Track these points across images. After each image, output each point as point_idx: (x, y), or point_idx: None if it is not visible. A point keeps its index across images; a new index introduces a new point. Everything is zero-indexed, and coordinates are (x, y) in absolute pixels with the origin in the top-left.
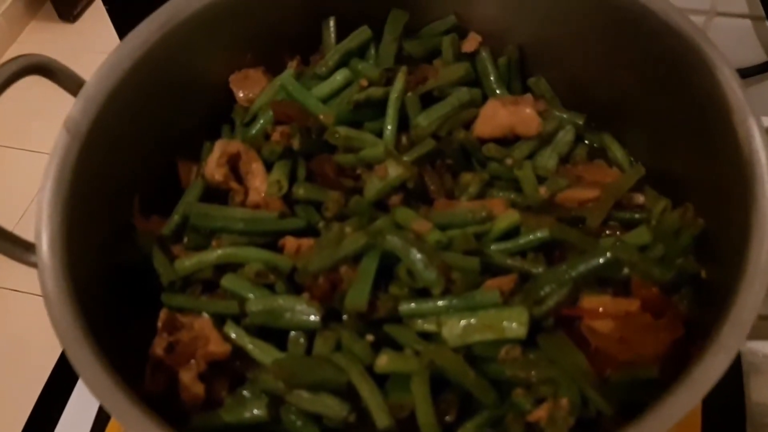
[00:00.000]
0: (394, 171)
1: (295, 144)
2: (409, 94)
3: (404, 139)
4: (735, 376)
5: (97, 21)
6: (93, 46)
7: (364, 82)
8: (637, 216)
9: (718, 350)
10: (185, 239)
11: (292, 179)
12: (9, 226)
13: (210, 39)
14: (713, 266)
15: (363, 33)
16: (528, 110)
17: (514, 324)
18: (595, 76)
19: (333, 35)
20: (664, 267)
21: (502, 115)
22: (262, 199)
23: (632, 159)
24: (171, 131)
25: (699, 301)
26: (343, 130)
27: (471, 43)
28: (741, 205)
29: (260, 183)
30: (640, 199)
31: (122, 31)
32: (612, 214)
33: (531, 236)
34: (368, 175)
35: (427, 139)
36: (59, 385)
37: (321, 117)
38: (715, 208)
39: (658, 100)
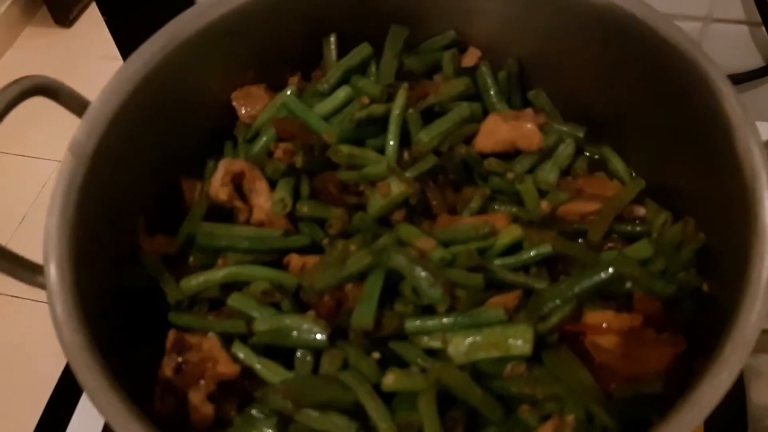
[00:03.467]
0: (396, 188)
1: (298, 162)
2: (411, 110)
3: (406, 155)
4: (736, 380)
5: (92, 26)
6: (89, 50)
7: (366, 100)
8: (638, 229)
9: (722, 370)
10: (191, 258)
11: (296, 197)
12: (9, 232)
13: (211, 58)
14: (715, 280)
15: (364, 49)
16: (529, 125)
17: (520, 341)
18: (595, 90)
19: (334, 52)
20: (666, 281)
21: (503, 130)
22: (266, 217)
23: (633, 172)
24: (175, 150)
25: (701, 315)
26: (345, 148)
27: (471, 58)
28: (741, 221)
29: (264, 201)
30: (641, 211)
31: (120, 42)
32: (613, 227)
33: (534, 252)
34: (371, 191)
35: (429, 155)
36: (64, 396)
37: (323, 135)
38: (715, 223)
39: (658, 114)
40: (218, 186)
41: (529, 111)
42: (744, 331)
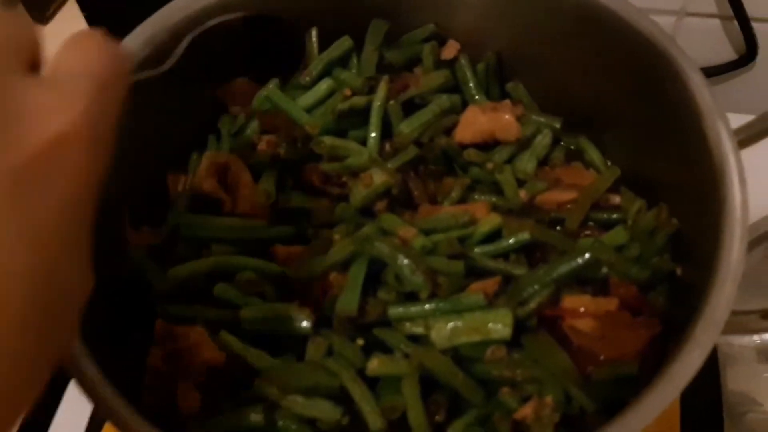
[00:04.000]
0: (378, 178)
1: (282, 153)
2: (392, 102)
3: (388, 147)
4: (711, 367)
5: (69, 23)
6: None
7: (348, 92)
8: (614, 216)
9: (694, 347)
10: (177, 249)
11: (280, 188)
12: None
13: (195, 51)
14: (688, 265)
15: (345, 42)
16: (507, 116)
17: (500, 325)
18: (571, 82)
19: (315, 46)
20: (641, 266)
21: (481, 121)
22: (250, 208)
23: (608, 161)
24: (159, 144)
25: (675, 298)
26: (328, 140)
27: (450, 50)
28: (712, 206)
29: (249, 192)
30: (616, 199)
31: None
32: (589, 215)
33: (512, 239)
34: (354, 182)
35: (410, 146)
36: (50, 387)
37: (306, 126)
38: (688, 209)
39: (633, 106)
40: (203, 178)
41: (507, 102)
42: (714, 311)
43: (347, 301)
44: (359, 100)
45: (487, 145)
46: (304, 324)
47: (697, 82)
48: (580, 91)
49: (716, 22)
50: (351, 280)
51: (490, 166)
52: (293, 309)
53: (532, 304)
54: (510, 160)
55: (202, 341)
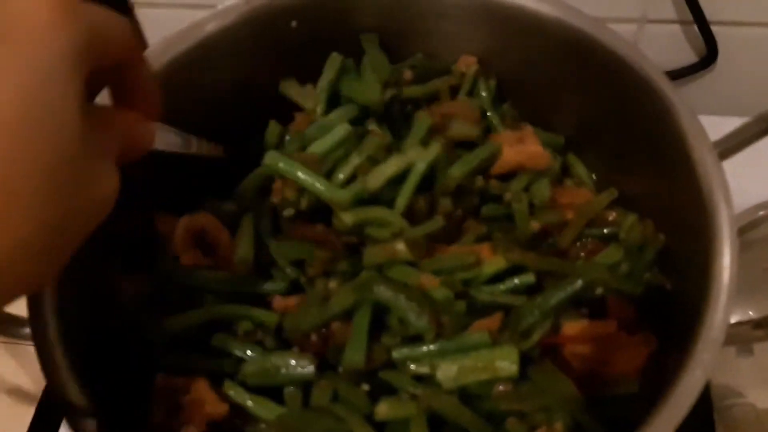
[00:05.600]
0: (402, 253)
1: (303, 204)
2: (438, 153)
3: (421, 202)
4: None
5: None
6: None
7: (373, 128)
8: (606, 231)
9: (696, 367)
10: (172, 297)
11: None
12: None
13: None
14: (677, 279)
15: (335, 60)
16: (534, 147)
17: (506, 363)
18: (552, 101)
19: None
20: (633, 282)
21: (510, 154)
22: (234, 267)
23: (594, 176)
24: (150, 185)
25: (668, 312)
26: (350, 218)
27: (465, 64)
28: (698, 222)
29: (229, 254)
30: (610, 215)
31: None
32: (583, 231)
33: (517, 280)
34: (371, 245)
35: (438, 218)
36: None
37: (329, 203)
38: (673, 225)
39: (612, 122)
40: (181, 250)
41: (529, 130)
42: (712, 330)
43: (353, 354)
44: (394, 167)
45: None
46: (308, 369)
47: (677, 102)
48: (562, 110)
49: (676, 27)
50: (355, 332)
51: (508, 196)
52: (294, 355)
53: (536, 337)
54: (527, 187)
55: (204, 394)
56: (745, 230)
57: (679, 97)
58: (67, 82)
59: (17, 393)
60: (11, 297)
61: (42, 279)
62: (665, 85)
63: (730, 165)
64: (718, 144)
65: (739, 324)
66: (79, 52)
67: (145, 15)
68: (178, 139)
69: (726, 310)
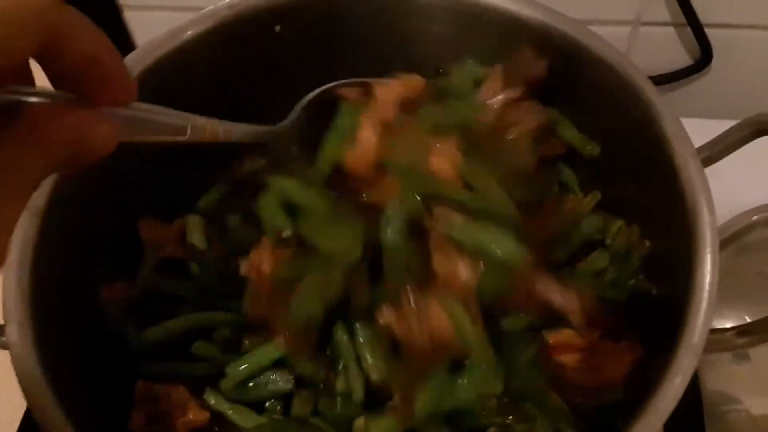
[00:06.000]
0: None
1: None
2: None
3: None
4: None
5: None
6: None
7: None
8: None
9: (676, 374)
10: (153, 304)
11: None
12: None
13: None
14: (663, 285)
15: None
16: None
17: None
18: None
19: None
20: (618, 289)
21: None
22: None
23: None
24: (132, 193)
25: (653, 318)
26: None
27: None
28: (682, 227)
29: None
30: (596, 221)
31: None
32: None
33: None
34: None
35: None
36: None
37: None
38: (659, 231)
39: (602, 131)
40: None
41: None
42: (692, 336)
43: None
44: None
45: None
46: (287, 385)
47: (661, 107)
48: None
49: (671, 29)
50: None
51: None
52: (275, 371)
53: (522, 360)
54: None
55: (185, 401)
56: (739, 234)
57: (664, 102)
58: None
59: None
60: None
61: None
62: (649, 90)
63: (725, 169)
64: (703, 149)
65: (723, 330)
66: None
67: (134, 18)
68: (162, 124)
69: (707, 316)
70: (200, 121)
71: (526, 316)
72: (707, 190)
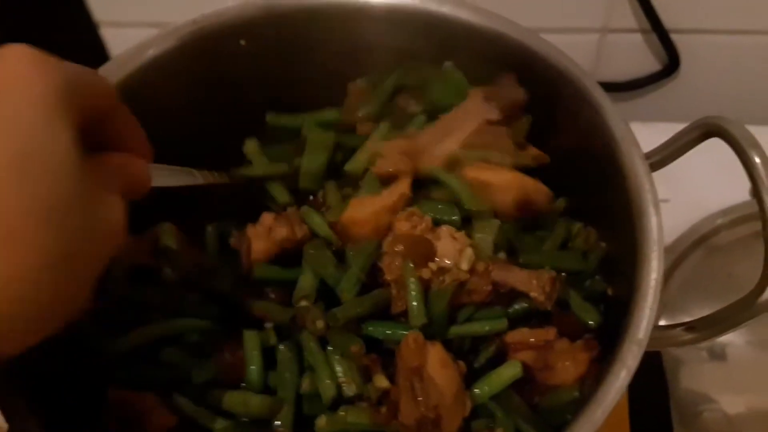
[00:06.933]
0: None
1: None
2: None
3: None
4: (657, 371)
5: None
6: None
7: None
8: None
9: (620, 368)
10: (124, 314)
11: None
12: None
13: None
14: (617, 285)
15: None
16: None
17: None
18: None
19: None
20: (576, 289)
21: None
22: None
23: None
24: None
25: (608, 318)
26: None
27: None
28: (631, 229)
29: None
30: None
31: None
32: None
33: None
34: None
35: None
36: None
37: None
38: (612, 233)
39: (554, 136)
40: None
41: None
42: (638, 331)
43: None
44: None
45: None
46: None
47: (610, 111)
48: None
49: (638, 36)
50: None
51: None
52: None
53: (482, 360)
54: None
55: (154, 406)
56: (706, 237)
57: (613, 106)
58: (55, 125)
59: None
60: (35, 330)
61: (63, 308)
62: (599, 95)
63: (694, 171)
64: (655, 152)
65: (672, 326)
66: (62, 98)
67: (110, 34)
68: (179, 174)
69: (652, 312)
70: (195, 172)
71: (488, 318)
72: (654, 190)
